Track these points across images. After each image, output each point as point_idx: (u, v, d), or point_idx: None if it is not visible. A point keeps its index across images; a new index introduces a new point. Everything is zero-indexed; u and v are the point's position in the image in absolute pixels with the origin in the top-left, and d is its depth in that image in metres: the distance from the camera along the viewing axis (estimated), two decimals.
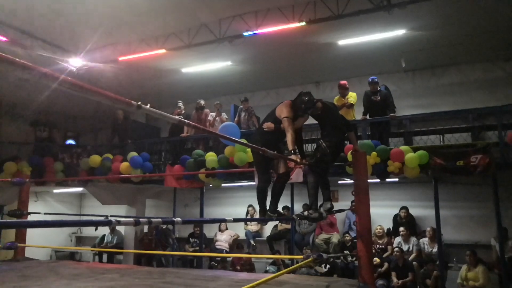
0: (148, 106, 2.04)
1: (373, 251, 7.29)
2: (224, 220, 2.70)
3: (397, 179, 7.73)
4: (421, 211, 8.32)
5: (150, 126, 11.25)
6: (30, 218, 7.46)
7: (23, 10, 6.30)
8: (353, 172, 4.70)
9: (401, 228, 7.71)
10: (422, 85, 9.31)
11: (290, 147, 4.10)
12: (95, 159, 8.70)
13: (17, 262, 6.19)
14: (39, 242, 8.65)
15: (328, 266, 7.55)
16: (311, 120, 4.60)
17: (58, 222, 1.88)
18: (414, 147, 6.62)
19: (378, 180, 7.75)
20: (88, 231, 12.26)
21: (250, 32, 6.71)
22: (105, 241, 10.55)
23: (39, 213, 6.80)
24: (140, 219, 1.98)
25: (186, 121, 2.33)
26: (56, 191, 10.86)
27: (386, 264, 7.20)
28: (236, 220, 3.28)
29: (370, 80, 7.39)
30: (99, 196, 9.57)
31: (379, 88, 7.43)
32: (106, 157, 8.74)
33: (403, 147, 6.53)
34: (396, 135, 8.06)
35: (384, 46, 7.92)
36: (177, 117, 7.96)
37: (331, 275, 7.24)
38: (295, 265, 4.15)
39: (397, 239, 7.76)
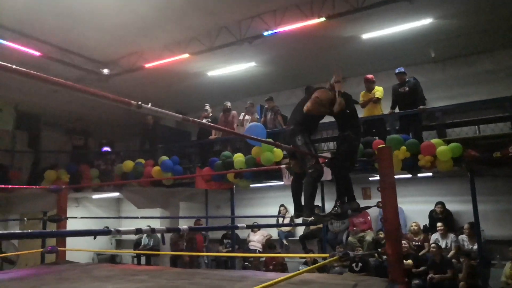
0: (149, 105, 2.08)
1: (409, 248, 7.08)
2: (235, 227, 2.69)
3: (431, 174, 7.43)
4: (458, 206, 7.94)
5: (180, 131, 11.47)
6: (69, 222, 7.86)
7: (53, 25, 6.60)
8: (378, 167, 4.55)
9: (439, 224, 7.40)
10: (454, 75, 8.90)
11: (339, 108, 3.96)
12: (128, 164, 8.98)
13: (58, 265, 6.49)
14: (82, 246, 9.04)
15: (360, 264, 7.37)
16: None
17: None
18: (446, 140, 6.36)
19: (410, 176, 7.51)
20: (127, 235, 12.62)
21: (270, 32, 6.69)
22: (142, 244, 10.87)
23: (75, 217, 7.11)
24: (143, 228, 2.02)
25: (191, 118, 2.34)
26: (94, 196, 11.30)
27: (422, 266, 6.92)
28: (247, 226, 3.26)
29: (397, 71, 7.15)
30: (133, 200, 9.86)
31: (407, 79, 7.17)
32: (138, 162, 9.01)
33: (435, 140, 6.28)
34: (428, 128, 7.75)
35: (411, 37, 7.65)
36: (204, 120, 8.08)
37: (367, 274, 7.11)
38: (316, 264, 4.09)
39: (434, 236, 7.47)
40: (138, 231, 2.03)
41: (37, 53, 6.81)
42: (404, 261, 6.82)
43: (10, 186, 7.99)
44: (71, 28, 6.77)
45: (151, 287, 4.41)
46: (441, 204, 7.78)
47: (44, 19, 6.32)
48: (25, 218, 7.18)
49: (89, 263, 6.95)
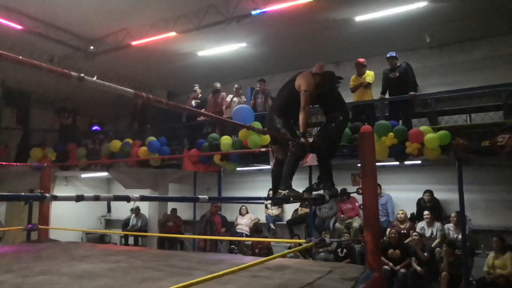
0: (95, 78, 1.94)
1: (398, 238, 7.00)
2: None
3: (419, 162, 7.33)
4: (447, 195, 7.86)
5: (171, 112, 11.31)
6: (55, 201, 7.78)
7: None
8: (359, 152, 4.42)
9: (425, 212, 7.34)
10: (450, 62, 8.68)
11: (301, 128, 3.79)
12: (115, 144, 8.89)
13: (39, 243, 6.46)
14: (70, 225, 9.03)
15: (345, 251, 7.35)
16: None
17: None
18: (435, 127, 6.23)
19: (398, 163, 7.41)
20: (116, 214, 12.69)
21: (258, 11, 6.49)
22: (130, 224, 10.85)
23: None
24: (84, 195, 1.91)
25: (144, 94, 2.21)
26: (83, 175, 11.25)
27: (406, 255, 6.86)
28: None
29: (388, 55, 6.97)
30: (121, 180, 9.81)
31: (398, 64, 6.99)
32: (126, 142, 8.91)
33: (423, 127, 6.16)
34: (420, 115, 7.61)
35: (406, 21, 7.43)
36: (193, 102, 7.93)
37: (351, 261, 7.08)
38: (289, 250, 4.00)
39: (420, 224, 7.41)
40: (79, 197, 1.92)
41: (19, 27, 6.61)
42: (392, 250, 6.79)
43: None
44: (56, 2, 6.56)
45: (123, 268, 4.34)
46: (429, 192, 7.71)
47: None
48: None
49: (71, 242, 6.89)
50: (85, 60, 8.12)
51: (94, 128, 11.16)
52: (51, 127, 10.13)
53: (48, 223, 7.05)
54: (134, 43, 7.70)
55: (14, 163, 8.27)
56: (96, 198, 1.92)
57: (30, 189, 9.63)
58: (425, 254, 6.54)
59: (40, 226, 6.73)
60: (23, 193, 2.04)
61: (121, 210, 12.05)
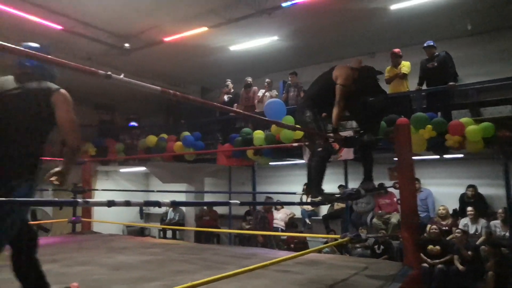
0: (122, 76, 1.98)
1: (439, 233, 6.72)
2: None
3: (461, 155, 7.00)
4: (492, 190, 7.46)
5: (205, 107, 11.43)
6: (98, 193, 8.11)
7: None
8: (395, 145, 4.28)
9: (469, 208, 6.99)
10: (493, 49, 8.13)
11: (334, 123, 3.73)
12: (151, 139, 9.12)
13: (82, 235, 6.76)
14: (113, 218, 9.35)
15: (382, 247, 7.16)
16: None
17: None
18: (478, 119, 5.92)
19: (438, 157, 7.12)
20: (155, 208, 13.01)
21: (289, 2, 6.39)
22: (168, 218, 11.12)
23: (96, 189, 7.34)
24: (115, 200, 1.95)
25: (172, 91, 2.22)
26: (122, 170, 11.60)
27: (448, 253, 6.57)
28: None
29: (425, 45, 6.65)
30: (158, 174, 10.06)
31: (436, 53, 6.67)
32: (161, 137, 9.12)
33: (464, 119, 5.86)
34: (460, 106, 7.25)
35: (444, 8, 7.05)
36: (225, 97, 7.99)
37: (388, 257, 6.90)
38: (323, 245, 3.94)
39: (463, 220, 7.08)
40: (110, 203, 1.96)
41: (59, 27, 6.87)
42: (432, 246, 6.53)
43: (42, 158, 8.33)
44: (93, 1, 6.76)
45: (159, 260, 4.47)
46: (473, 187, 7.35)
47: None
48: (50, 189, 7.42)
49: (111, 234, 7.17)
50: (121, 57, 8.34)
51: (131, 124, 11.49)
52: (90, 123, 10.51)
53: (91, 216, 7.36)
54: (166, 39, 7.82)
55: (58, 159, 8.63)
56: (127, 204, 1.95)
57: (74, 183, 10.10)
58: (469, 252, 6.24)
59: (82, 219, 7.05)
60: (56, 199, 2.10)
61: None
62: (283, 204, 8.39)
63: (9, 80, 2.33)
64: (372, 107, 3.88)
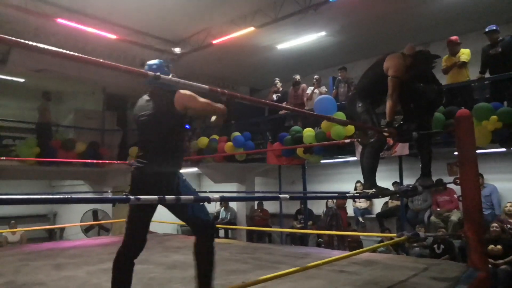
0: (170, 76, 2.01)
1: (500, 232, 6.26)
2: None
3: None
4: None
5: (254, 107, 11.49)
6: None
7: (126, 8, 6.91)
8: (456, 138, 4.01)
9: None
10: None
11: (388, 117, 3.56)
12: (203, 140, 9.30)
13: None
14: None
15: (442, 246, 6.77)
16: None
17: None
18: None
19: (504, 150, 6.62)
20: (208, 207, 13.25)
21: None
22: (220, 217, 11.29)
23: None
24: (166, 197, 1.98)
25: (219, 90, 2.22)
26: None
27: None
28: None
29: (487, 29, 6.17)
30: (210, 175, 10.24)
31: (500, 38, 6.18)
32: (212, 138, 9.27)
33: None
34: None
35: None
36: (274, 96, 7.96)
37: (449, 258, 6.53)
38: (379, 244, 3.79)
39: None
40: (161, 200, 1.99)
41: (114, 36, 7.21)
42: (493, 246, 6.09)
43: (100, 161, 8.82)
44: (144, 10, 7.02)
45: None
46: None
47: (117, 3, 6.64)
48: (109, 191, 7.82)
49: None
50: (172, 62, 8.59)
51: (186, 126, 11.78)
52: None
53: None
54: (215, 41, 7.94)
55: (115, 162, 9.07)
56: (178, 200, 1.97)
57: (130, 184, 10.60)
58: None
59: None
60: (110, 195, 2.17)
61: (212, 203, 12.59)
62: (334, 198, 8.18)
63: (143, 99, 2.76)
64: (421, 95, 3.66)
